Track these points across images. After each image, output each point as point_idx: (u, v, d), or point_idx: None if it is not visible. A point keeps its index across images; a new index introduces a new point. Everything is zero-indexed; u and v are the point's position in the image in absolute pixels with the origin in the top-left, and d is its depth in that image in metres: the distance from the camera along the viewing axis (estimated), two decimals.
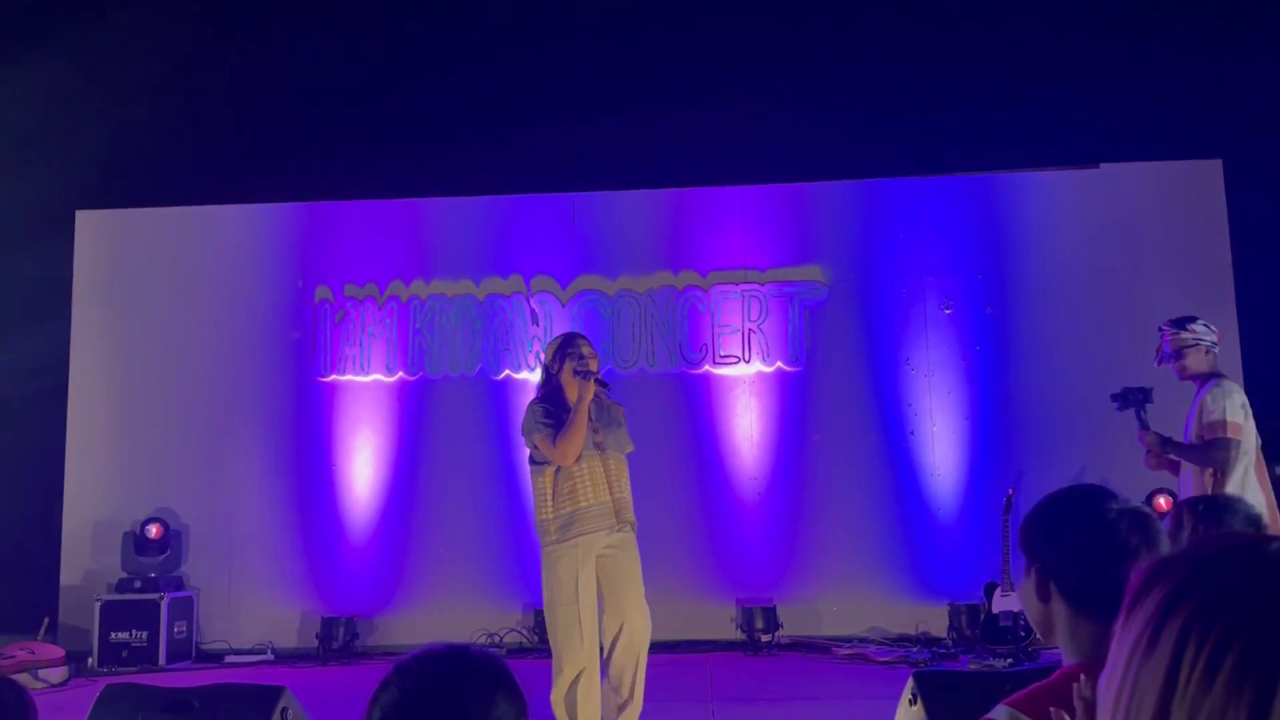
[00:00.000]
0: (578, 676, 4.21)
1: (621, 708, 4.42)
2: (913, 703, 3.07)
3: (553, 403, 4.39)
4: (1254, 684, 0.62)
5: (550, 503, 4.31)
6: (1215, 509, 2.63)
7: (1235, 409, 4.36)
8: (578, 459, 4.28)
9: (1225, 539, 0.72)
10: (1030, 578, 1.63)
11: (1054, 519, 1.68)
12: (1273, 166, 7.15)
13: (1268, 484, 4.36)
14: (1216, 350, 4.60)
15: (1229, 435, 4.30)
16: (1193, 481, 4.44)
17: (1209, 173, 7.56)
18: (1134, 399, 4.75)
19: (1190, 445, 4.45)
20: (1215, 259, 7.48)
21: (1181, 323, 4.60)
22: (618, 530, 4.33)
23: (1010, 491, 6.75)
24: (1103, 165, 7.67)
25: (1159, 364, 4.70)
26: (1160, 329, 4.69)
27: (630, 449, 4.51)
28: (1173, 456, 4.53)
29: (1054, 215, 7.68)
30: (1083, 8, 7.38)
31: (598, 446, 4.34)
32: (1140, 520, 1.65)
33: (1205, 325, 4.59)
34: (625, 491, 4.37)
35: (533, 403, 4.44)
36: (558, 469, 4.31)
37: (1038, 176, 7.75)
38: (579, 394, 4.29)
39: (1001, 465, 7.40)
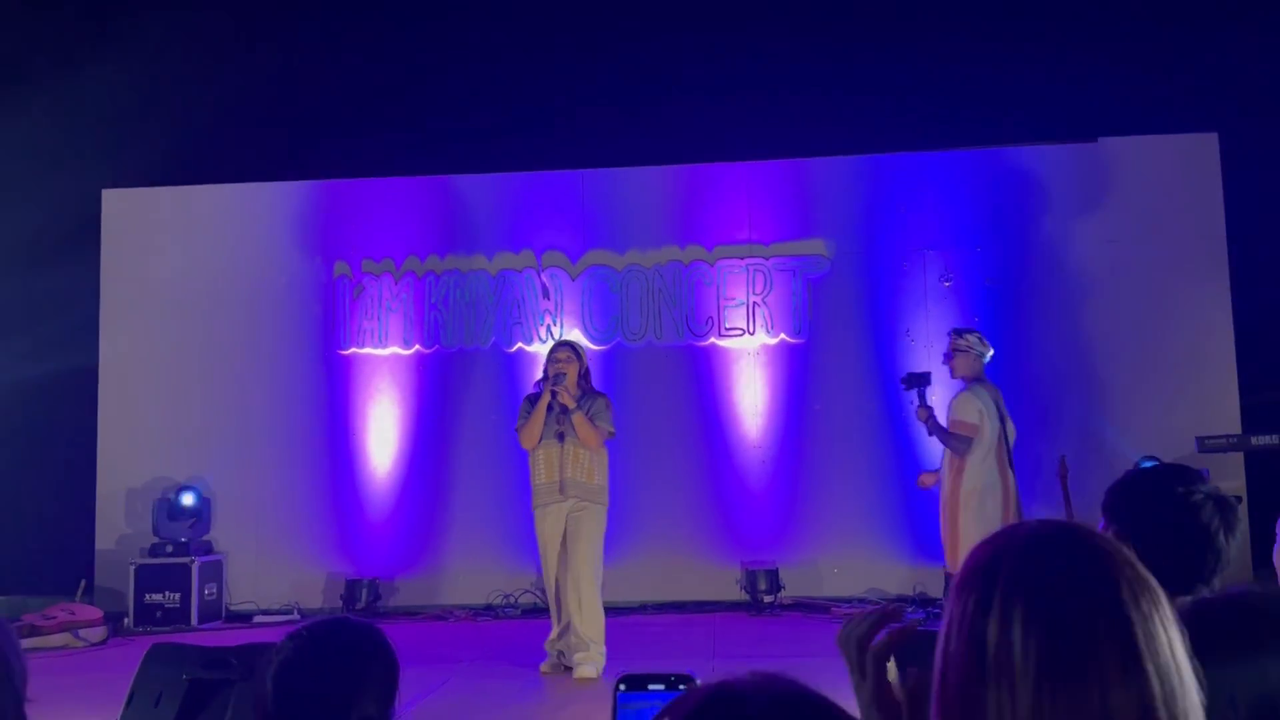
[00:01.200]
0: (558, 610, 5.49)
1: (577, 648, 5.30)
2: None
3: (534, 400, 5.53)
4: (1006, 613, 0.94)
5: (607, 474, 5.54)
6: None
7: (971, 411, 5.56)
8: (538, 445, 5.41)
9: (1014, 527, 1.00)
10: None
11: (1144, 491, 1.85)
12: (1267, 140, 7.27)
13: (1005, 470, 5.55)
14: (985, 360, 5.76)
15: (963, 431, 5.57)
16: (949, 460, 5.70)
17: (1205, 146, 7.70)
18: (915, 382, 5.88)
19: (943, 429, 5.67)
20: (1210, 231, 7.64)
21: (960, 332, 5.82)
22: (565, 501, 5.35)
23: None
24: (1100, 139, 7.82)
25: (944, 362, 5.94)
26: (947, 334, 5.92)
27: (608, 432, 5.46)
28: (934, 435, 5.73)
29: (1052, 189, 7.85)
30: None
31: (559, 436, 5.38)
32: (1223, 505, 1.81)
33: (979, 338, 5.77)
34: (576, 473, 5.37)
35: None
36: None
37: (1036, 150, 7.90)
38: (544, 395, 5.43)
39: None
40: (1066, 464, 6.82)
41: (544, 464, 5.43)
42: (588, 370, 5.62)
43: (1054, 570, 0.94)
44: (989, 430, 5.54)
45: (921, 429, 6.02)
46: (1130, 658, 0.91)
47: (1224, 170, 7.63)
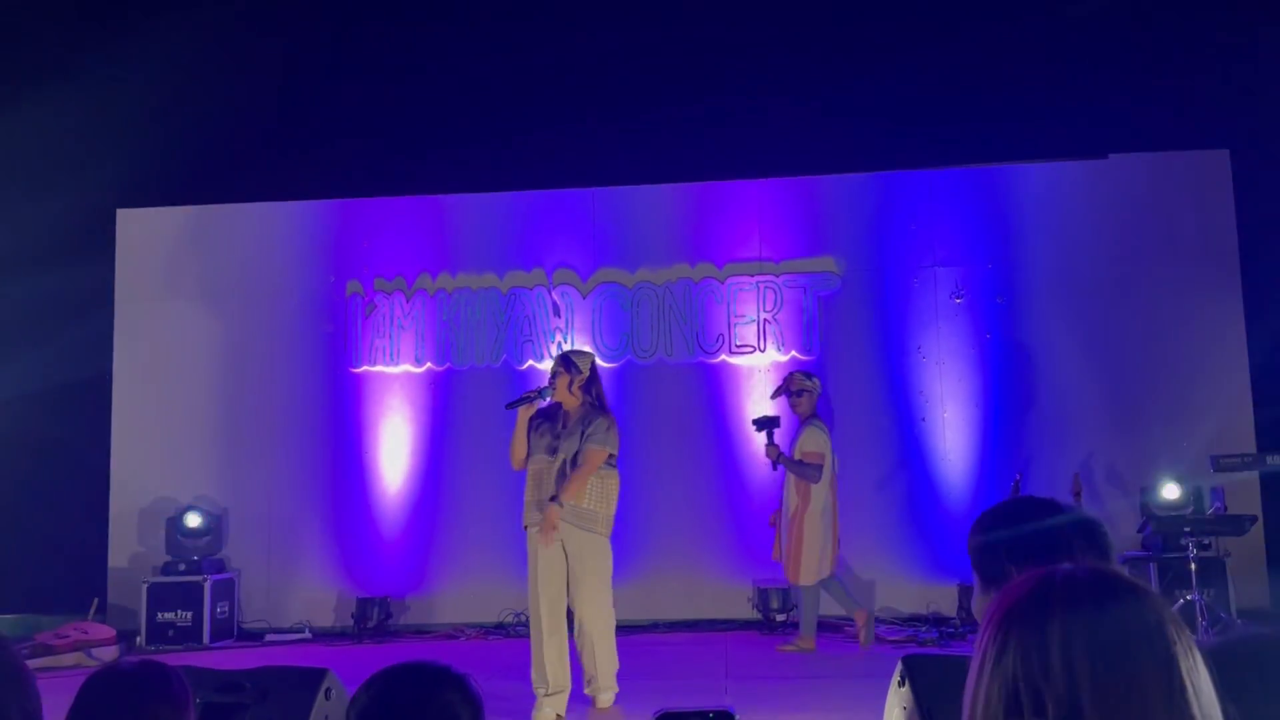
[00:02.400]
0: (542, 639, 4.99)
1: (589, 681, 5.04)
2: (901, 684, 3.31)
3: (538, 413, 5.21)
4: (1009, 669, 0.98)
5: (608, 499, 5.14)
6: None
7: (820, 443, 6.49)
8: (527, 460, 5.08)
9: (1054, 570, 1.02)
10: (986, 593, 1.77)
11: (1009, 527, 1.81)
12: (1278, 157, 7.26)
13: (835, 494, 6.58)
14: (817, 398, 6.73)
15: (815, 460, 6.46)
16: (794, 486, 6.55)
17: (1216, 163, 7.69)
18: (766, 424, 6.60)
19: (796, 461, 6.49)
20: (1222, 248, 7.62)
21: (807, 375, 6.77)
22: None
23: (1018, 477, 6.95)
24: (1111, 156, 7.81)
25: (774, 395, 6.97)
26: (790, 374, 6.83)
27: (607, 454, 5.06)
28: (786, 467, 6.53)
29: (1063, 206, 7.84)
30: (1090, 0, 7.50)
31: (550, 451, 5.01)
32: (1087, 527, 1.77)
33: (818, 382, 6.78)
34: (565, 491, 4.95)
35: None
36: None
37: (1047, 167, 7.90)
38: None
39: (1010, 450, 7.61)
40: (1080, 481, 6.84)
41: (532, 480, 5.04)
42: (590, 382, 5.16)
43: (1105, 609, 0.98)
44: (829, 460, 6.52)
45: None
46: (1177, 693, 0.94)
47: (1235, 187, 7.62)
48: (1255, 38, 7.20)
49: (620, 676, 5.22)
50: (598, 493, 5.03)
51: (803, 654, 6.45)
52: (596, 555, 5.01)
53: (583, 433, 5.01)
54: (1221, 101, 7.37)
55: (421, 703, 1.58)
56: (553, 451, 4.99)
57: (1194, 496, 6.84)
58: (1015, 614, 1.00)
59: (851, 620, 6.76)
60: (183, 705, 1.86)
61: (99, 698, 1.86)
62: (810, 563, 6.45)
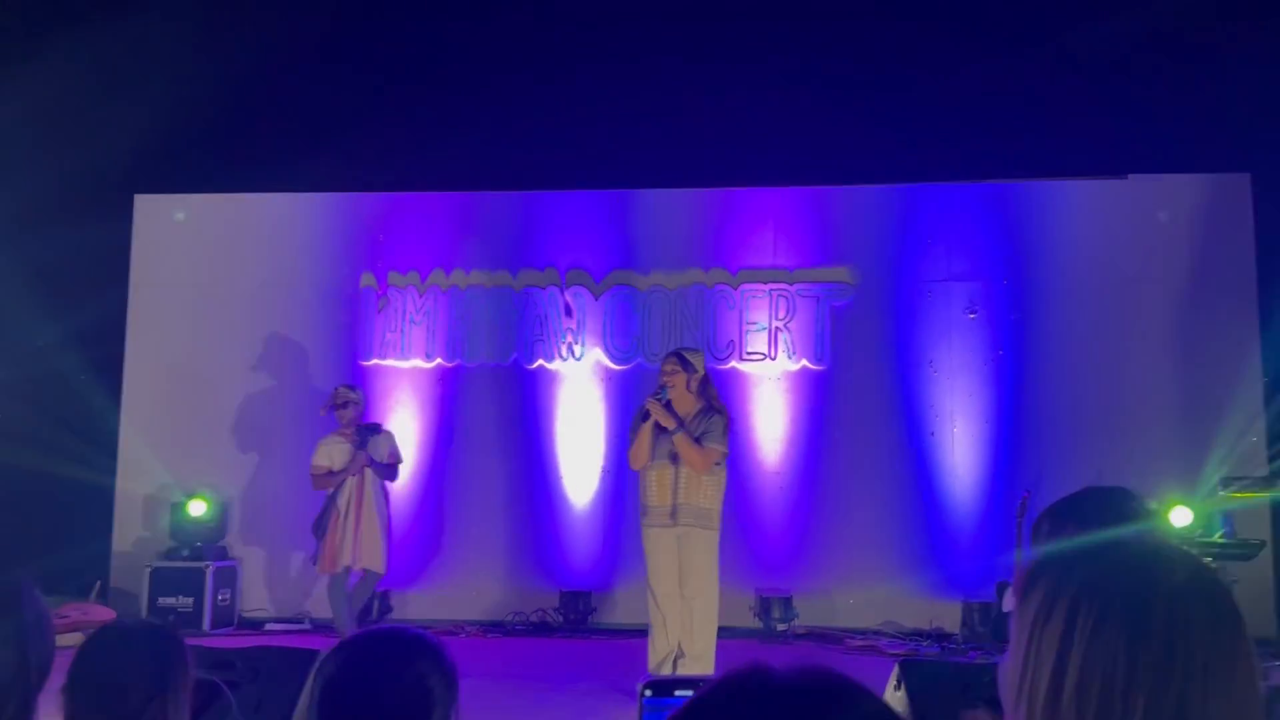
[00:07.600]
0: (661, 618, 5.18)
1: (683, 654, 5.13)
2: (897, 688, 3.29)
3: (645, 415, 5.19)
4: (1121, 635, 0.91)
5: (721, 496, 5.17)
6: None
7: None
8: (649, 465, 5.13)
9: (1093, 542, 0.98)
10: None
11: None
12: None
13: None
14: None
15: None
16: None
17: (1237, 186, 7.64)
18: None
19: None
20: (1240, 272, 7.56)
21: (352, 386, 7.07)
22: (676, 526, 5.13)
23: (1025, 495, 6.87)
24: (1130, 176, 7.76)
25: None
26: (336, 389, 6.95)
27: (720, 454, 5.19)
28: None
29: (1081, 224, 7.79)
30: (1113, 19, 7.46)
31: (672, 458, 5.08)
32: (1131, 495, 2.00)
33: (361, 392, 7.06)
34: (690, 497, 5.12)
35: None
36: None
37: (1065, 185, 7.85)
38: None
39: (1019, 468, 7.55)
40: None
41: (656, 485, 5.11)
42: (706, 380, 5.23)
43: (1165, 588, 0.93)
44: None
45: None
46: (1247, 676, 0.91)
47: (1256, 211, 7.55)
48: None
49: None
50: (716, 491, 5.11)
51: None
52: (708, 549, 5.10)
53: (697, 433, 5.07)
54: (1244, 124, 7.31)
55: (392, 675, 1.47)
56: (674, 459, 5.04)
57: (1203, 521, 6.77)
58: (1082, 591, 0.94)
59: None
60: (186, 668, 1.85)
61: (108, 648, 1.82)
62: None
